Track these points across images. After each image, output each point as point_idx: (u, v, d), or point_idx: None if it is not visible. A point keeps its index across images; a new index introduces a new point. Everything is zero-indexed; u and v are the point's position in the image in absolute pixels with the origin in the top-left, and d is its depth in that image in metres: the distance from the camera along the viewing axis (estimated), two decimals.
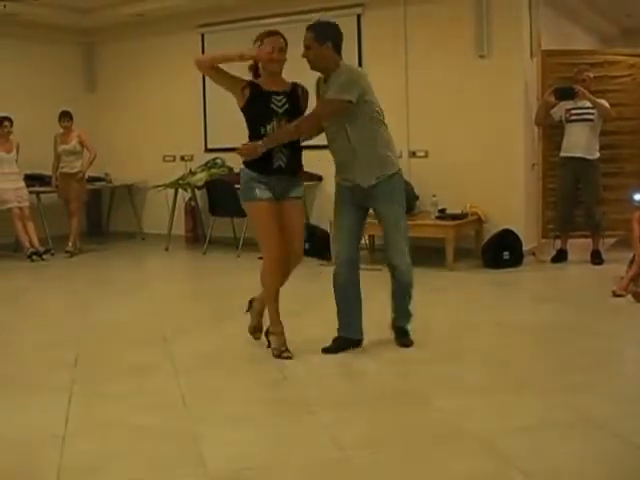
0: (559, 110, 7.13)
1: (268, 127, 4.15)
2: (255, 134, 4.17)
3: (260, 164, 4.14)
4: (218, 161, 8.81)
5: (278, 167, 4.17)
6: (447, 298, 6.03)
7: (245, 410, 3.49)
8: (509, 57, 7.26)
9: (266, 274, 4.35)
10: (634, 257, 5.79)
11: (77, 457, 2.96)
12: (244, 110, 4.24)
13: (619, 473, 2.77)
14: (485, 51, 7.33)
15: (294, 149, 4.23)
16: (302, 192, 4.38)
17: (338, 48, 4.18)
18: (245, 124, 4.26)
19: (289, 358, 4.19)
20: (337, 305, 4.37)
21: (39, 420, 3.40)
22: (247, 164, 4.21)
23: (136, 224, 9.82)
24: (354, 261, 4.32)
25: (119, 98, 9.91)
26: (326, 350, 4.29)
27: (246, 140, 4.20)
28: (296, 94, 4.28)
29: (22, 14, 8.61)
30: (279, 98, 4.20)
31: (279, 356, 4.22)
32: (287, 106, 4.19)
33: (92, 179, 9.16)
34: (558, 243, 7.32)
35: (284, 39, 4.21)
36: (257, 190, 4.17)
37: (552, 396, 3.57)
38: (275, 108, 4.17)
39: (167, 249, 8.78)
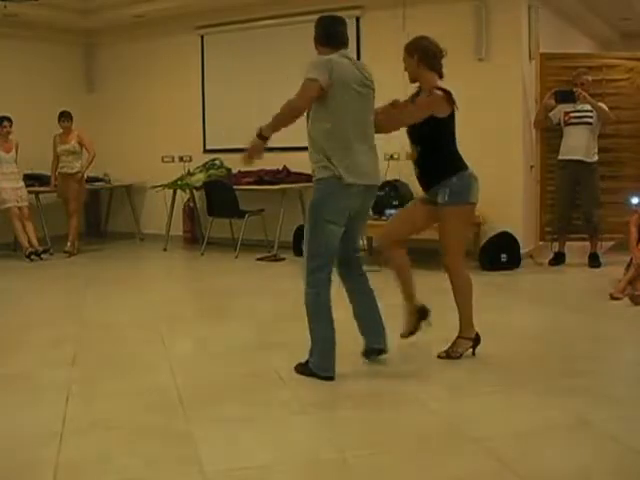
0: (557, 113, 7.15)
1: None
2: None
3: None
4: (217, 162, 8.82)
5: None
6: (444, 300, 6.02)
7: (243, 410, 3.49)
8: (508, 60, 7.28)
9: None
10: (631, 260, 5.81)
11: (74, 456, 2.97)
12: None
13: (617, 476, 2.77)
14: (484, 54, 7.34)
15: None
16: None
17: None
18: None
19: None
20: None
21: (37, 419, 3.40)
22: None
23: (134, 224, 9.82)
24: None
25: (118, 99, 9.92)
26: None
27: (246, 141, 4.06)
28: None
29: (22, 15, 8.61)
30: None
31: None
32: None
33: (91, 179, 9.17)
34: (556, 246, 7.33)
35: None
36: None
37: (550, 399, 3.57)
38: None
39: (165, 249, 8.79)
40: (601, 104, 7.01)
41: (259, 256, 7.93)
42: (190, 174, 8.88)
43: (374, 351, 4.14)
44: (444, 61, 4.25)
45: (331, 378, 3.83)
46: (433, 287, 6.44)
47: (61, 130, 8.44)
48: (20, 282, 7.18)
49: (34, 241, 8.18)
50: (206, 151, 9.21)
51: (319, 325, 3.85)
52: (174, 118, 9.42)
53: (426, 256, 7.39)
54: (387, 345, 4.13)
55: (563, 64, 7.45)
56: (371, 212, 7.37)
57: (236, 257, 8.05)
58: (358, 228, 4.06)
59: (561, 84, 7.22)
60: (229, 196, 8.12)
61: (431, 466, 2.85)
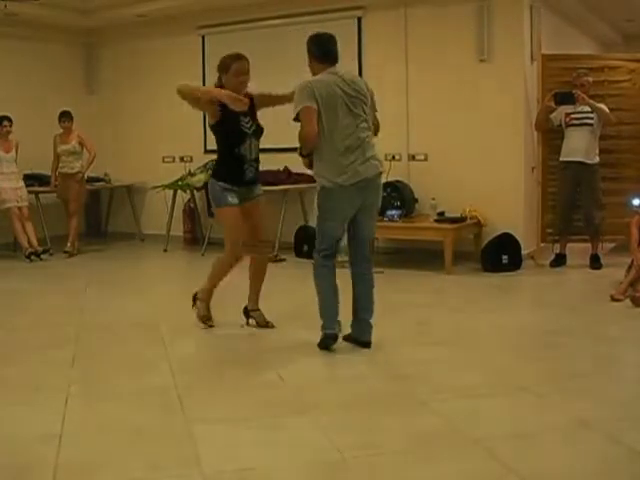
0: (559, 114, 7.14)
1: (242, 147, 4.63)
2: (230, 153, 4.63)
3: (233, 177, 4.66)
4: None
5: (249, 179, 4.72)
6: (445, 301, 6.03)
7: (242, 411, 3.48)
8: (509, 61, 7.27)
9: (227, 265, 4.98)
10: (632, 262, 5.80)
11: (73, 457, 2.96)
12: (216, 128, 4.73)
13: (617, 476, 2.77)
14: (485, 55, 7.34)
15: (258, 163, 4.78)
16: (261, 191, 4.91)
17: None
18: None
19: (212, 327, 4.93)
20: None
21: (36, 420, 3.39)
22: (218, 177, 4.72)
23: (135, 225, 9.82)
24: None
25: (119, 99, 9.91)
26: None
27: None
28: (253, 109, 4.68)
29: (22, 14, 8.61)
30: (246, 120, 4.65)
31: (203, 322, 4.96)
32: (254, 127, 4.69)
33: (91, 179, 9.16)
34: (557, 247, 7.33)
35: (247, 61, 4.75)
36: (229, 197, 4.67)
37: (550, 399, 3.57)
38: (245, 130, 4.61)
39: (166, 250, 8.78)
40: (601, 105, 6.99)
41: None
42: (191, 174, 8.87)
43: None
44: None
45: (332, 334, 4.31)
46: (432, 287, 6.45)
47: (61, 130, 8.43)
48: (20, 282, 7.16)
49: (34, 241, 8.17)
50: (207, 151, 9.16)
51: (319, 294, 4.37)
52: (175, 118, 9.37)
53: (426, 256, 7.39)
54: (367, 335, 4.38)
55: (565, 65, 7.42)
56: None
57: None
58: (365, 221, 4.37)
59: (563, 85, 7.21)
60: None
61: (431, 466, 2.85)
